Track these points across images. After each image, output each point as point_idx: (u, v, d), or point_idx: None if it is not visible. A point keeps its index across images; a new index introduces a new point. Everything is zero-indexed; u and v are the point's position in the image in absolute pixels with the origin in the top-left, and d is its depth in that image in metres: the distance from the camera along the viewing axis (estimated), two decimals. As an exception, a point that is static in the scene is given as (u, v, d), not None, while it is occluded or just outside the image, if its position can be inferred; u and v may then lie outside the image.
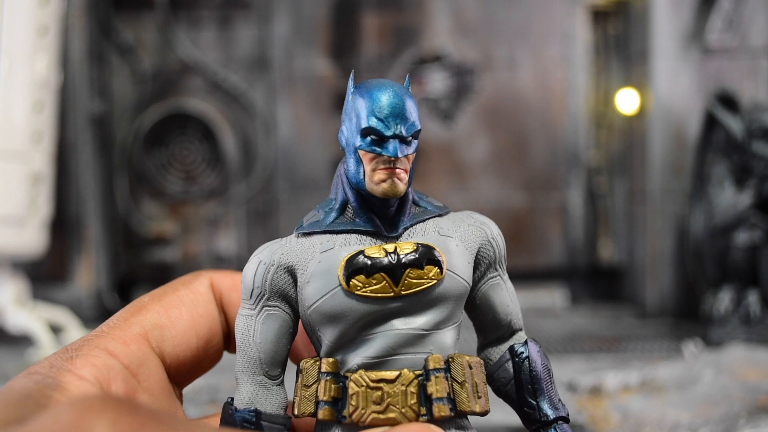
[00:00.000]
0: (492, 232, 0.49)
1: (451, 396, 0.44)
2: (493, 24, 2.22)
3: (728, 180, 1.79)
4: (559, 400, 0.48)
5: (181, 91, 2.22)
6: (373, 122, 0.44)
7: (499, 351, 0.49)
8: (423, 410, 0.43)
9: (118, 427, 0.29)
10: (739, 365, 1.38)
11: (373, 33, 2.22)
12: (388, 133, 0.44)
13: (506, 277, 0.50)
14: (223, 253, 2.22)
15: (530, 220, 2.23)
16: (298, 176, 2.23)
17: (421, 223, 0.47)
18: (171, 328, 0.49)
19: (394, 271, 0.44)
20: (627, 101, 2.15)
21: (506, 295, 0.50)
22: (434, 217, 0.48)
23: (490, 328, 0.50)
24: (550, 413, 0.47)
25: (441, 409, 0.43)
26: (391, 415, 0.43)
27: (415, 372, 0.44)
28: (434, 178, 2.22)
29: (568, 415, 0.48)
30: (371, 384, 0.43)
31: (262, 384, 0.47)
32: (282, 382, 0.48)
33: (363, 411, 0.43)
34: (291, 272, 0.46)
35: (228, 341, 0.54)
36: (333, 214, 0.47)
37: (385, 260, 0.44)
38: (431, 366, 0.44)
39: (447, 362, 0.44)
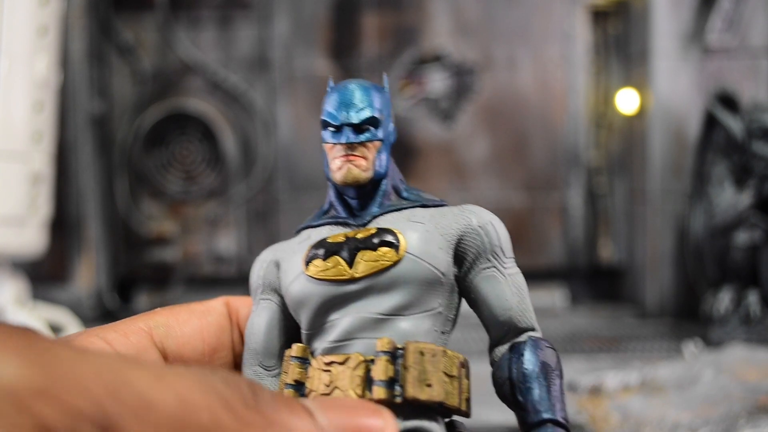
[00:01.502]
0: (480, 220, 0.47)
1: (400, 383, 0.42)
2: (493, 24, 2.22)
3: (728, 180, 1.79)
4: (558, 402, 0.44)
5: (181, 91, 2.22)
6: (327, 114, 0.47)
7: (502, 350, 0.47)
8: (368, 394, 0.42)
9: (12, 367, 0.26)
10: (739, 365, 1.38)
11: (373, 33, 2.22)
12: (336, 122, 0.46)
13: (509, 271, 0.48)
14: (223, 253, 2.22)
15: (530, 220, 2.23)
16: (298, 176, 2.22)
17: (396, 212, 0.47)
18: (177, 328, 0.49)
19: (347, 253, 0.45)
20: (627, 101, 2.15)
21: (504, 289, 0.47)
22: (414, 207, 0.48)
23: (491, 324, 0.47)
24: (541, 414, 0.43)
25: (378, 392, 0.42)
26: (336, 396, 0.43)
27: (366, 357, 0.43)
28: (434, 178, 2.22)
29: (564, 420, 0.43)
30: (324, 367, 0.44)
31: (256, 374, 0.48)
32: (278, 374, 0.49)
33: (315, 393, 0.44)
34: (277, 265, 0.49)
35: (238, 361, 0.53)
36: (320, 213, 0.50)
37: (340, 245, 0.45)
38: (378, 348, 0.43)
39: (399, 348, 0.43)
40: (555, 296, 2.21)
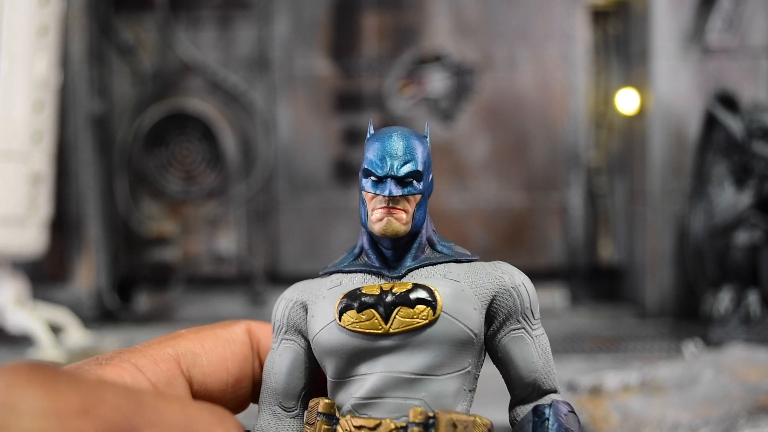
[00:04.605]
0: (514, 281, 0.47)
1: None
2: (493, 24, 2.22)
3: (728, 180, 1.79)
4: None
5: (181, 91, 2.22)
6: (370, 163, 0.46)
7: (524, 411, 0.47)
8: None
9: (49, 394, 0.30)
10: (739, 365, 1.38)
11: (373, 33, 2.22)
12: (381, 173, 0.46)
13: (537, 332, 0.48)
14: (223, 253, 2.22)
15: (530, 220, 2.23)
16: (298, 176, 2.23)
17: (430, 267, 0.47)
18: (204, 356, 0.50)
19: (384, 308, 0.44)
20: (627, 101, 2.15)
21: (532, 351, 0.47)
22: (448, 262, 0.48)
23: (516, 385, 0.48)
24: None
25: None
26: None
27: (397, 423, 0.43)
28: (434, 179, 2.21)
29: None
30: (353, 430, 0.44)
31: (275, 414, 0.49)
32: (297, 415, 0.49)
33: None
34: (304, 307, 0.49)
35: (257, 390, 0.54)
36: (351, 256, 0.49)
37: (372, 298, 0.45)
38: (411, 419, 0.43)
39: (431, 418, 0.43)
40: (555, 296, 2.21)
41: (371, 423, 0.43)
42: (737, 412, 1.11)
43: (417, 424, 0.43)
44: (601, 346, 1.70)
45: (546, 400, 0.47)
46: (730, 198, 1.76)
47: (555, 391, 0.48)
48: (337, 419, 0.45)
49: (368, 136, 0.49)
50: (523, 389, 0.47)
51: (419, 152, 0.47)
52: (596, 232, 2.25)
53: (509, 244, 2.19)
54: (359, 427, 0.44)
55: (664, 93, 1.99)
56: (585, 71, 2.23)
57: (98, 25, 2.17)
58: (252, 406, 0.55)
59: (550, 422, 0.45)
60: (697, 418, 1.11)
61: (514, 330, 0.47)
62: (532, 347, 0.47)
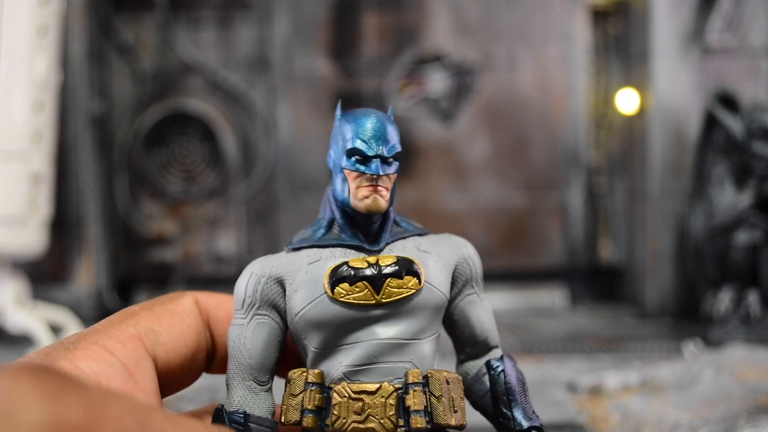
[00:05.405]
0: (468, 252, 0.53)
1: (429, 409, 0.47)
2: (493, 24, 2.22)
3: (728, 180, 1.79)
4: (533, 411, 0.51)
5: (181, 91, 2.22)
6: (358, 143, 0.49)
7: (476, 366, 0.53)
8: (401, 421, 0.47)
9: (51, 405, 0.29)
10: (739, 365, 1.38)
11: (373, 33, 2.22)
12: (371, 153, 0.48)
13: (483, 295, 0.54)
14: (223, 253, 2.22)
15: (530, 220, 2.23)
16: (298, 176, 2.22)
17: (402, 240, 0.51)
18: (164, 333, 0.50)
19: (376, 280, 0.47)
20: (627, 101, 2.15)
21: (483, 313, 0.53)
22: (414, 236, 0.52)
23: (468, 343, 0.53)
24: (524, 423, 0.50)
25: (417, 421, 0.46)
26: (371, 425, 0.46)
27: (395, 385, 0.47)
28: (434, 178, 2.22)
29: (541, 426, 0.51)
30: (353, 395, 0.47)
31: (251, 389, 0.50)
32: (270, 389, 0.51)
33: (344, 420, 0.47)
34: (280, 283, 0.50)
35: (210, 360, 0.55)
36: (321, 231, 0.51)
37: (368, 270, 0.47)
38: (410, 380, 0.47)
39: (426, 377, 0.47)
40: (555, 296, 2.21)
41: (371, 387, 0.47)
42: (737, 412, 1.11)
43: (417, 384, 0.47)
44: (601, 346, 1.70)
45: (494, 354, 0.53)
46: (730, 198, 1.76)
47: (498, 347, 0.54)
48: (329, 387, 0.47)
49: (338, 117, 0.51)
50: (474, 346, 0.53)
51: (396, 134, 0.50)
52: (596, 232, 2.25)
53: (509, 244, 2.19)
54: (359, 392, 0.46)
55: (664, 93, 1.99)
56: (585, 71, 2.23)
57: (98, 25, 2.17)
58: (204, 376, 0.56)
59: (506, 373, 0.51)
60: (697, 418, 1.11)
61: (469, 295, 0.53)
62: (482, 310, 0.53)
